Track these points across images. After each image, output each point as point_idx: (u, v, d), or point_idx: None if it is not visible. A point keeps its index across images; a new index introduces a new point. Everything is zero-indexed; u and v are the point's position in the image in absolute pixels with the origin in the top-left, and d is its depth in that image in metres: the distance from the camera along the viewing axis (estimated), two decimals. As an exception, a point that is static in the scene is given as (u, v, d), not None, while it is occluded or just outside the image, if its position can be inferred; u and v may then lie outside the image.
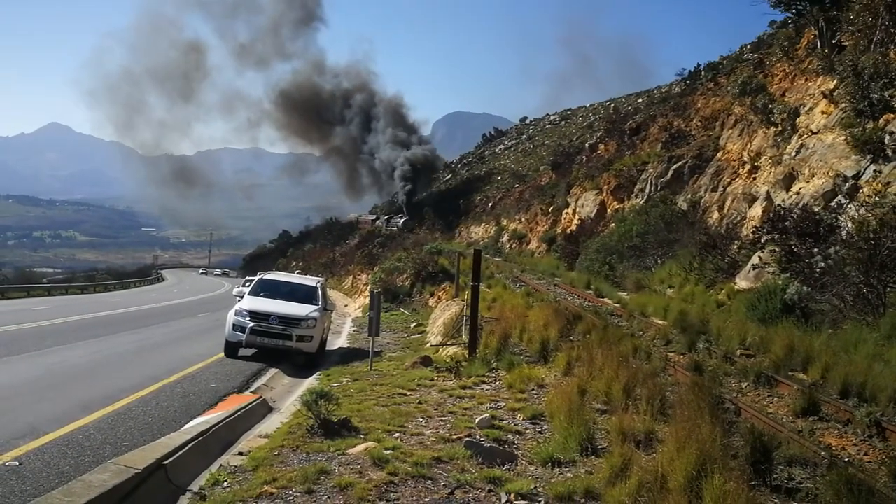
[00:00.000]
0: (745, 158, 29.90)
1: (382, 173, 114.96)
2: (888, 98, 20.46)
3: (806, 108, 26.24)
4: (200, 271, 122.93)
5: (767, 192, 24.94)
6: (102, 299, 41.43)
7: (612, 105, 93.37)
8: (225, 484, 6.56)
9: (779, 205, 22.08)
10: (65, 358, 14.95)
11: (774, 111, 27.83)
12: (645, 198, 37.62)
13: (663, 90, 79.67)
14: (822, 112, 24.57)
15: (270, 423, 9.73)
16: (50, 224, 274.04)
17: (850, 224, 17.13)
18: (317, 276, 31.06)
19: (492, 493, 6.18)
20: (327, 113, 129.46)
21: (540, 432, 8.45)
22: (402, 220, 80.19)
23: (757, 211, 24.57)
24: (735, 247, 23.64)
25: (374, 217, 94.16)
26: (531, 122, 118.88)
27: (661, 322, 17.77)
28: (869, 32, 23.51)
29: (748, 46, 54.00)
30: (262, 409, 10.86)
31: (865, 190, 18.94)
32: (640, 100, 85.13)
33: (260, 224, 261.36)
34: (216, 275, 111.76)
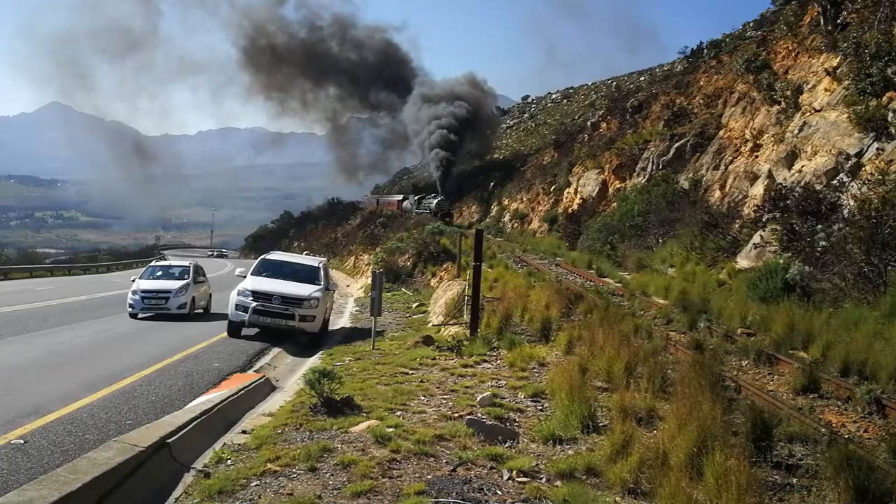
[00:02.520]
0: (748, 136, 29.80)
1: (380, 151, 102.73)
2: (891, 76, 20.34)
3: (809, 86, 26.10)
4: (214, 253, 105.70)
5: (769, 171, 24.88)
6: (105, 280, 41.50)
7: (615, 83, 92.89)
8: (229, 462, 6.61)
9: (780, 183, 22.02)
10: (69, 338, 15.02)
11: (777, 89, 27.69)
12: (647, 177, 37.54)
13: (665, 68, 79.27)
14: (826, 90, 24.44)
15: (274, 402, 9.77)
16: (52, 204, 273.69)
17: (851, 202, 17.11)
18: (319, 256, 31.01)
19: (493, 471, 6.21)
20: (312, 68, 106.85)
21: (541, 410, 8.49)
22: (435, 201, 64.15)
23: (759, 189, 24.52)
24: (736, 226, 23.65)
25: (400, 197, 76.59)
26: (533, 100, 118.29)
27: (662, 301, 17.81)
28: (873, 9, 23.35)
29: (751, 24, 53.64)
30: (266, 388, 10.92)
31: (868, 168, 18.89)
32: (642, 78, 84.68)
33: (260, 204, 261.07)
34: (225, 255, 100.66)
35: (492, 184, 73.52)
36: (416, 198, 70.56)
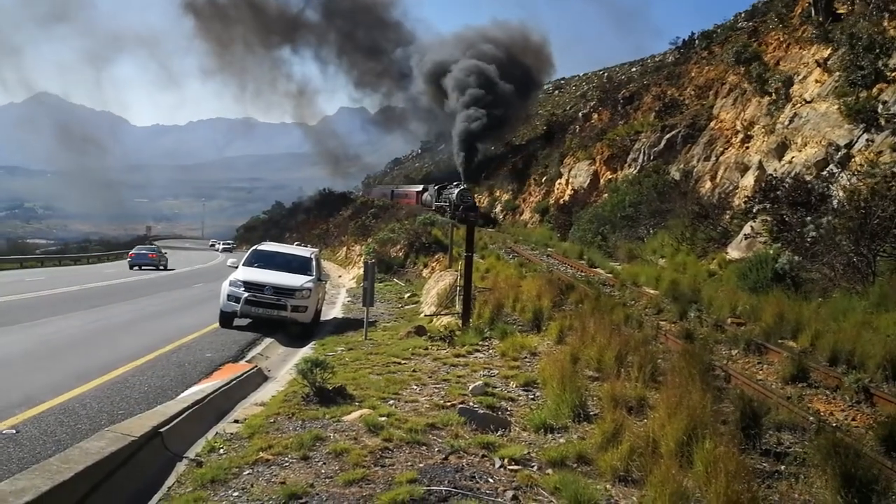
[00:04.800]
0: (739, 127, 29.87)
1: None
2: (882, 67, 20.44)
3: (800, 77, 26.18)
4: (218, 246, 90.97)
5: (760, 162, 24.97)
6: (96, 270, 41.39)
7: (606, 74, 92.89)
8: (221, 451, 6.62)
9: (771, 174, 22.12)
10: (60, 328, 14.97)
11: (768, 80, 27.77)
12: (638, 168, 37.61)
13: (657, 59, 79.32)
14: (816, 81, 24.52)
15: (266, 392, 9.79)
16: (41, 195, 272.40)
17: (841, 193, 17.20)
18: (310, 246, 30.92)
19: (485, 459, 6.25)
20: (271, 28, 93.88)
21: (533, 399, 8.53)
22: (457, 191, 51.19)
23: (749, 180, 24.61)
24: (727, 216, 23.72)
25: (419, 188, 63.43)
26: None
27: (652, 291, 17.87)
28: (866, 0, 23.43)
29: (742, 14, 53.71)
30: (258, 378, 10.92)
31: (857, 159, 18.99)
32: (633, 69, 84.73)
33: (252, 195, 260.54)
34: (233, 248, 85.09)
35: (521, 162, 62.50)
36: (435, 188, 57.30)
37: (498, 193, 62.81)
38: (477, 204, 53.25)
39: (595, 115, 56.49)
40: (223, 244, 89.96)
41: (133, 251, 46.12)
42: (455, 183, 54.57)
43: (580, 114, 62.36)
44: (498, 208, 59.48)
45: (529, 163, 60.56)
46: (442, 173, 78.33)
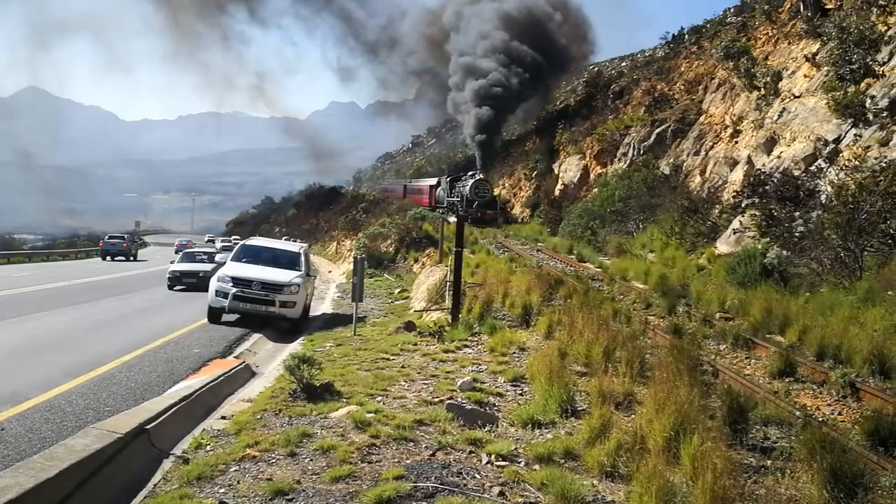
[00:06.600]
0: (728, 122, 29.96)
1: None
2: (870, 62, 20.51)
3: (788, 72, 26.26)
4: (220, 244, 69.39)
5: (749, 157, 25.05)
6: (84, 266, 41.17)
7: (596, 69, 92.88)
8: (208, 447, 6.60)
9: (760, 169, 22.19)
10: (46, 324, 14.90)
11: (757, 75, 27.84)
12: (628, 162, 37.70)
13: (647, 54, 79.32)
14: (805, 76, 24.60)
15: (253, 388, 9.75)
16: (29, 190, 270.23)
17: (829, 188, 17.27)
18: (300, 241, 30.80)
19: (472, 455, 6.24)
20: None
21: (521, 394, 8.53)
22: (471, 182, 43.65)
23: (738, 175, 24.69)
24: (716, 211, 23.81)
25: (433, 182, 54.04)
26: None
27: (641, 286, 17.90)
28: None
29: (731, 10, 53.79)
30: (246, 374, 10.89)
31: (846, 154, 19.06)
32: (623, 63, 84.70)
33: (242, 189, 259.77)
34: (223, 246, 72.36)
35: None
36: (448, 180, 48.73)
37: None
38: (497, 199, 45.95)
39: (585, 110, 56.49)
40: (222, 241, 72.14)
41: (177, 242, 71.77)
42: (470, 173, 47.12)
43: (570, 108, 62.31)
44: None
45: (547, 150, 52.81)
46: (434, 168, 77.90)
